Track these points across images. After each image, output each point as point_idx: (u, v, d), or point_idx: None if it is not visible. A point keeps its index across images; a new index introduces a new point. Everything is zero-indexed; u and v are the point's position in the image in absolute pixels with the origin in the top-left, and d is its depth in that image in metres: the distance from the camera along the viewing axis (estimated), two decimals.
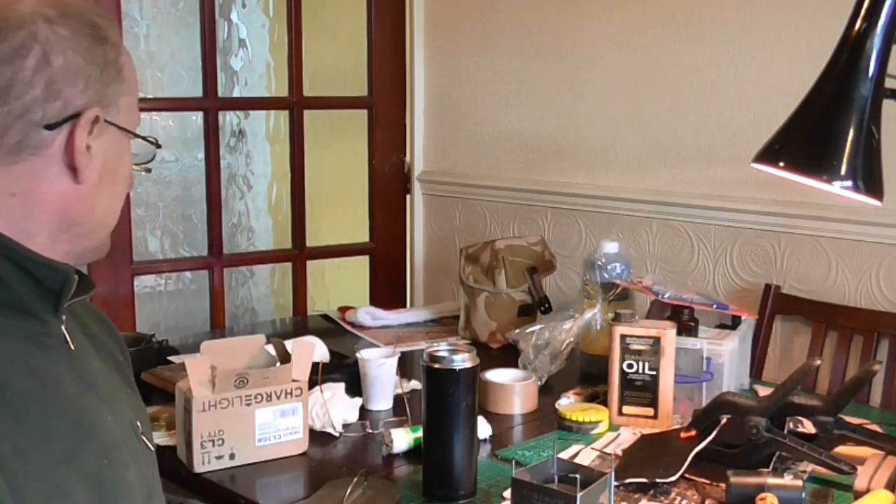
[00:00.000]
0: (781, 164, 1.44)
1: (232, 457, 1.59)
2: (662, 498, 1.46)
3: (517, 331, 2.12)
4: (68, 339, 1.00)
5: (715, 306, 2.00)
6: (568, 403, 1.87)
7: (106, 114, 0.98)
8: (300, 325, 2.83)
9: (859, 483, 1.42)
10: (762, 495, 1.36)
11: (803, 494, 1.38)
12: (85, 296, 1.03)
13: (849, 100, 1.38)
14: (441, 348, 1.48)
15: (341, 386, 1.84)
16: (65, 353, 0.99)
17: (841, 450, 1.55)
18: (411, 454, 1.64)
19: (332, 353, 2.13)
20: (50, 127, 0.94)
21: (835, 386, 2.20)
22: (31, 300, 0.95)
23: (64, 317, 1.00)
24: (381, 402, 1.89)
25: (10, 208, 0.94)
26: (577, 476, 1.23)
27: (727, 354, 1.86)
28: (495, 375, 1.93)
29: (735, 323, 2.03)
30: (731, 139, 2.40)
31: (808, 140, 1.42)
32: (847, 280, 2.27)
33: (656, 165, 2.58)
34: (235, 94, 3.83)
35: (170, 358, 2.07)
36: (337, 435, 1.74)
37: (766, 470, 1.46)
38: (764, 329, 2.33)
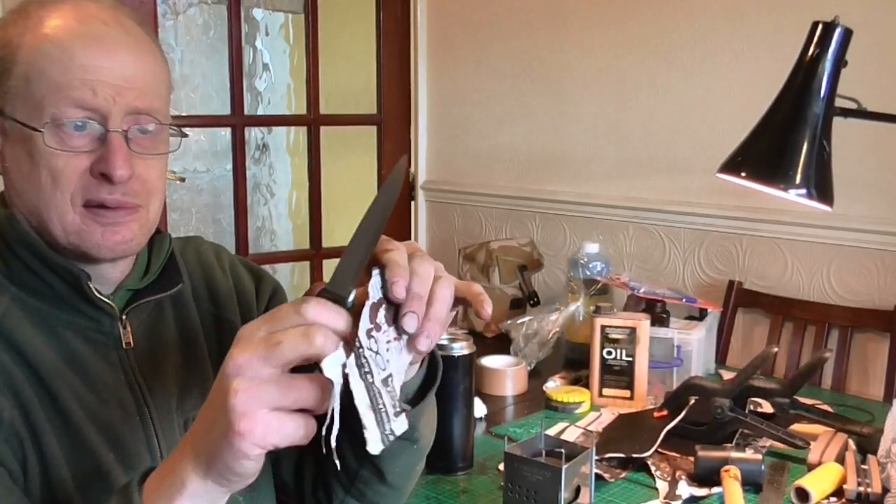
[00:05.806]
0: (743, 174, 1.44)
1: None
2: (639, 470, 1.46)
3: (509, 322, 2.12)
4: (122, 337, 0.92)
5: (684, 300, 2.00)
6: (554, 386, 1.87)
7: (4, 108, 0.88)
8: None
9: (812, 456, 1.42)
10: (727, 467, 1.36)
11: (763, 466, 1.38)
12: (152, 298, 0.95)
13: (803, 117, 1.38)
14: (442, 337, 1.47)
15: None
16: (114, 349, 0.91)
17: (796, 427, 1.54)
18: None
19: None
20: None
21: (790, 371, 2.20)
22: (70, 297, 0.89)
23: (124, 316, 0.92)
24: None
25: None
26: (563, 450, 1.23)
27: (695, 343, 1.86)
28: (490, 361, 1.92)
29: (702, 315, 2.02)
30: (699, 152, 2.40)
31: (766, 153, 1.42)
32: (801, 277, 2.27)
33: (632, 175, 2.58)
34: (260, 112, 3.82)
35: None
36: None
37: (729, 445, 1.46)
38: (727, 320, 2.33)
